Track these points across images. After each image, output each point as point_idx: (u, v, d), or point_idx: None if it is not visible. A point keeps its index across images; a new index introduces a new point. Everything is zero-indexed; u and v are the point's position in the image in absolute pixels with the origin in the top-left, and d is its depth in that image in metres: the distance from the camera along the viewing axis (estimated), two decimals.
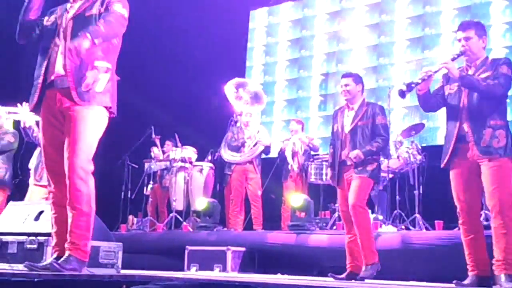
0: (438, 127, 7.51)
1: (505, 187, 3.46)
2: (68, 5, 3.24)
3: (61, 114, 3.12)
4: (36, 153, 5.73)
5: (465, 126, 3.58)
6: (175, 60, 9.38)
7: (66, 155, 3.04)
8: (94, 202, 3.11)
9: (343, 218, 4.54)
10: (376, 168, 4.41)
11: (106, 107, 3.16)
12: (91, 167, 3.09)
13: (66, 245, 3.04)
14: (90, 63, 3.08)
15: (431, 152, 6.45)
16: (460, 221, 3.64)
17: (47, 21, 3.24)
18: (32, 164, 5.78)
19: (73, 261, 3.00)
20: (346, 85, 4.51)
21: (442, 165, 3.68)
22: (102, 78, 3.12)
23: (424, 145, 7.08)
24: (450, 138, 3.64)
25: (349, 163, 4.41)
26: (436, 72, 3.66)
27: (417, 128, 6.46)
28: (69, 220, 3.04)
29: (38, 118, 5.27)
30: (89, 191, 3.07)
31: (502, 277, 3.36)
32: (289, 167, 6.85)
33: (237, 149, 6.87)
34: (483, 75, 3.58)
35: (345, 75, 4.62)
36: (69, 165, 3.02)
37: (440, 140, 7.49)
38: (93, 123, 3.11)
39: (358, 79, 4.56)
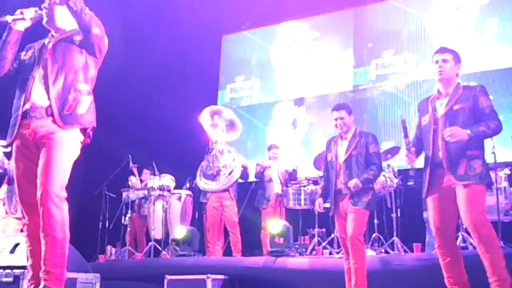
0: None
1: (478, 207, 3.50)
2: (47, 39, 3.29)
3: (34, 144, 3.11)
4: (4, 184, 5.66)
5: (441, 154, 3.62)
6: (150, 87, 9.40)
7: (39, 181, 3.01)
8: (68, 228, 3.07)
9: (342, 245, 4.54)
10: (372, 197, 4.46)
11: (84, 130, 3.18)
12: (64, 193, 3.07)
13: (41, 274, 2.98)
14: (72, 87, 3.12)
15: (407, 176, 6.54)
16: (436, 245, 3.69)
17: (25, 55, 3.29)
18: (1, 194, 5.70)
19: None
20: (341, 118, 4.57)
21: (423, 196, 3.72)
22: (84, 100, 3.15)
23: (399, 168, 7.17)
24: (426, 167, 3.70)
25: (344, 192, 4.44)
26: None
27: (393, 152, 6.53)
28: (43, 248, 2.99)
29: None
30: (63, 217, 3.02)
31: None
32: (273, 193, 6.90)
33: (213, 177, 6.86)
34: (457, 107, 3.62)
35: (337, 108, 4.65)
36: (43, 191, 2.98)
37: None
38: (67, 150, 3.10)
39: (349, 110, 4.64)
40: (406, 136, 3.86)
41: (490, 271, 3.41)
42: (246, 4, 9.44)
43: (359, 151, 4.49)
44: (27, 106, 3.11)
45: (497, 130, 3.58)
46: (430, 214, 3.71)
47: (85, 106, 3.16)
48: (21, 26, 3.22)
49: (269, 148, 7.39)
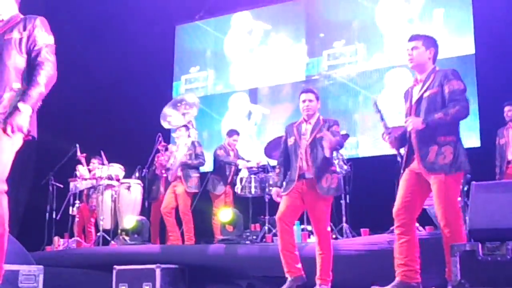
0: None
1: (450, 201, 3.51)
2: None
3: None
4: None
5: (413, 141, 3.65)
6: (99, 76, 9.21)
7: None
8: (8, 223, 2.98)
9: (280, 228, 4.38)
10: (338, 181, 4.46)
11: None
12: (4, 187, 2.98)
13: None
14: (8, 85, 2.99)
15: (357, 164, 6.65)
16: (395, 225, 3.66)
17: None
18: None
19: None
20: (309, 101, 4.51)
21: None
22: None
23: (350, 156, 7.28)
24: (406, 151, 3.71)
25: (308, 176, 4.36)
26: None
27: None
28: None
29: None
30: (3, 211, 2.94)
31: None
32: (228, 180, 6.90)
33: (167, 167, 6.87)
34: (427, 93, 3.61)
35: (306, 91, 4.61)
36: None
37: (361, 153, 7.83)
38: (7, 143, 2.99)
39: (317, 96, 4.60)
40: (382, 119, 3.86)
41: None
42: None
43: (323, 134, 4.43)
44: None
45: (459, 115, 3.53)
46: (399, 192, 3.68)
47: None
48: None
49: (230, 134, 7.28)
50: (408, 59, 3.74)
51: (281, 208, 4.44)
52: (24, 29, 3.07)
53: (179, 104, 6.95)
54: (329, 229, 4.42)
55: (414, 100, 3.71)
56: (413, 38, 3.77)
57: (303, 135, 4.49)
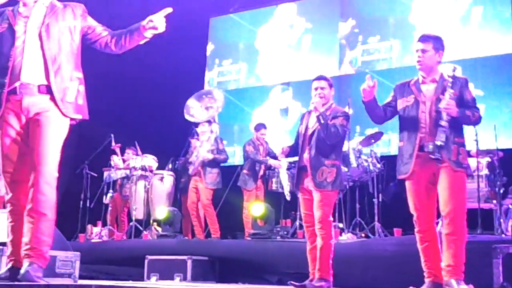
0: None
1: (458, 191, 3.55)
2: (22, 8, 3.11)
3: (25, 122, 3.04)
4: None
5: (427, 137, 3.61)
6: (134, 67, 9.30)
7: (34, 160, 2.95)
8: (55, 209, 3.05)
9: (304, 222, 4.38)
10: (336, 176, 4.23)
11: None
12: (56, 173, 3.04)
13: (26, 252, 2.93)
14: (71, 74, 3.07)
15: (389, 161, 6.58)
16: (416, 229, 3.69)
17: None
18: None
19: (39, 269, 2.93)
20: (321, 88, 4.34)
21: (402, 176, 3.71)
22: (81, 90, 3.12)
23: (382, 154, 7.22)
24: (409, 149, 3.67)
25: (308, 169, 4.26)
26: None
27: (376, 137, 6.55)
28: (29, 226, 2.94)
29: None
30: (54, 197, 3.01)
31: (453, 282, 3.42)
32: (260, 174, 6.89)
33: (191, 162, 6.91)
34: (448, 93, 3.59)
35: (319, 78, 4.43)
36: (38, 170, 2.94)
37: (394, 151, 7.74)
38: (60, 129, 3.05)
39: (330, 82, 4.42)
40: None
41: (451, 258, 3.45)
42: None
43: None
44: (16, 84, 2.99)
45: (478, 121, 3.70)
46: (410, 198, 3.71)
47: (81, 95, 3.11)
48: None
49: (258, 128, 7.22)
50: (417, 61, 3.71)
51: (301, 206, 4.42)
52: (75, 17, 3.16)
53: (204, 96, 6.94)
54: (331, 218, 4.26)
55: (428, 96, 3.68)
56: (423, 39, 3.72)
57: (309, 125, 4.38)
